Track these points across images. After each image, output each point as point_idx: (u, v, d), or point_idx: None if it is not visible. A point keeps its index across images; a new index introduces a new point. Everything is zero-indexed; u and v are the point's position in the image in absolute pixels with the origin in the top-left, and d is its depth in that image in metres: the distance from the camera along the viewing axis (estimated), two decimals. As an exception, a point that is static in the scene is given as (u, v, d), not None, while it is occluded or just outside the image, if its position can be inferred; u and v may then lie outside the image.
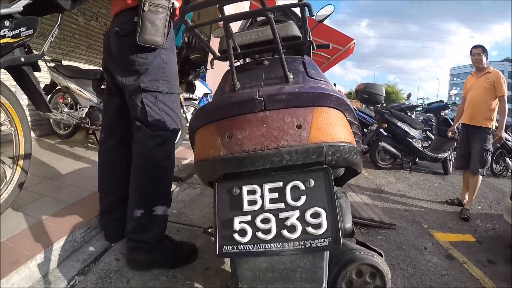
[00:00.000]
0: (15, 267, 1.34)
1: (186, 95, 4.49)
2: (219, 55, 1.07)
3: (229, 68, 0.87)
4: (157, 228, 1.59)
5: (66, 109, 3.68)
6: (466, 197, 3.47)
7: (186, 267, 1.61)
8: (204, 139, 0.82)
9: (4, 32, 1.47)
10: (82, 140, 3.82)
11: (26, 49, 1.72)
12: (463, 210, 3.26)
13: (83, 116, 3.50)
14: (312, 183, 0.75)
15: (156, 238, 1.58)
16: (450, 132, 3.98)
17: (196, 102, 4.83)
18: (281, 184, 0.76)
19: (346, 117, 0.84)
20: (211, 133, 0.80)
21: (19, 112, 1.72)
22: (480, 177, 3.33)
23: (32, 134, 1.84)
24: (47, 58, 3.73)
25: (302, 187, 0.76)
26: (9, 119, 1.70)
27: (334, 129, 0.76)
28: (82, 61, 5.04)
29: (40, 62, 2.89)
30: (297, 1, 0.86)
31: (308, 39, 1.01)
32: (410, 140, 4.90)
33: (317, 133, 0.74)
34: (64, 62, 3.91)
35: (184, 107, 4.34)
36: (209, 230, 1.46)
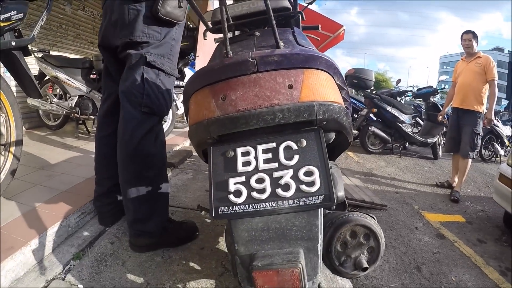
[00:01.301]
0: (10, 253, 1.33)
1: (176, 82, 4.46)
2: (212, 26, 1.07)
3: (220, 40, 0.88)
4: (158, 217, 1.54)
5: (55, 100, 3.62)
6: (456, 179, 3.54)
7: (181, 247, 1.62)
8: (199, 102, 0.83)
9: None
10: (72, 131, 3.78)
11: (16, 34, 1.68)
12: (453, 192, 3.33)
13: (73, 105, 3.45)
14: (304, 143, 0.77)
15: (158, 227, 1.54)
16: (441, 117, 4.03)
17: (185, 90, 4.80)
18: (274, 144, 0.78)
19: (335, 81, 0.85)
20: (206, 96, 0.81)
21: (9, 97, 1.69)
22: (470, 160, 3.40)
23: (22, 127, 1.81)
24: (34, 48, 3.67)
25: (295, 147, 0.77)
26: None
27: (324, 89, 0.78)
28: (70, 51, 4.96)
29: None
30: None
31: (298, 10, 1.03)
32: (399, 124, 4.96)
33: (308, 92, 0.75)
34: (52, 53, 3.84)
35: (174, 95, 4.32)
36: (200, 206, 1.47)
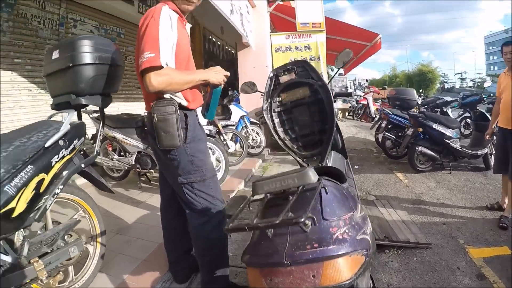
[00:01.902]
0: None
1: (223, 123, 4.83)
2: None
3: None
4: (219, 286, 1.91)
5: (116, 156, 4.03)
6: (506, 201, 3.40)
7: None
8: (255, 279, 1.22)
9: (62, 153, 1.67)
10: (135, 180, 4.16)
11: (82, 152, 1.97)
12: (501, 218, 3.21)
13: (133, 162, 3.84)
14: None
15: None
16: (488, 135, 3.86)
17: (234, 127, 5.13)
18: None
19: (349, 253, 1.13)
20: (258, 277, 1.19)
21: (89, 202, 2.10)
22: None
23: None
24: (89, 108, 4.08)
25: None
26: (82, 209, 2.08)
27: (338, 275, 1.10)
28: (120, 99, 5.48)
29: (84, 114, 3.13)
30: None
31: (322, 185, 1.24)
32: (447, 141, 4.84)
33: (326, 279, 1.08)
34: (106, 110, 4.22)
35: (224, 135, 4.67)
36: None
